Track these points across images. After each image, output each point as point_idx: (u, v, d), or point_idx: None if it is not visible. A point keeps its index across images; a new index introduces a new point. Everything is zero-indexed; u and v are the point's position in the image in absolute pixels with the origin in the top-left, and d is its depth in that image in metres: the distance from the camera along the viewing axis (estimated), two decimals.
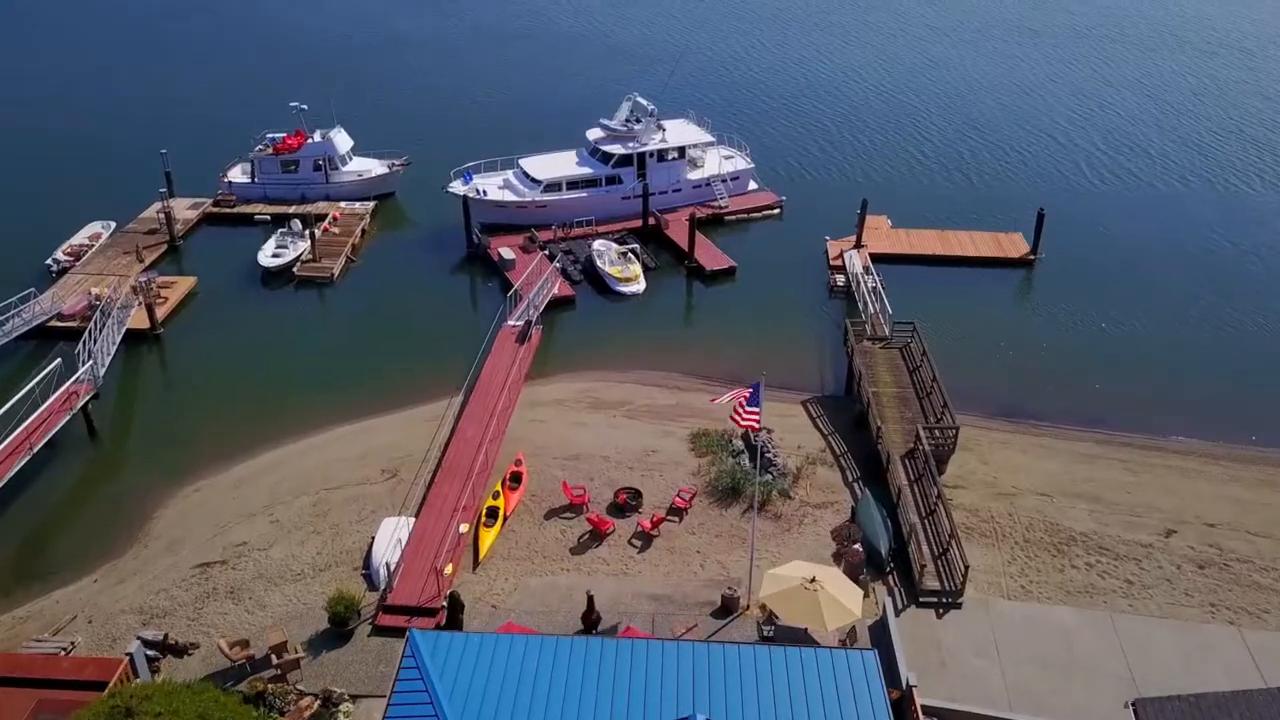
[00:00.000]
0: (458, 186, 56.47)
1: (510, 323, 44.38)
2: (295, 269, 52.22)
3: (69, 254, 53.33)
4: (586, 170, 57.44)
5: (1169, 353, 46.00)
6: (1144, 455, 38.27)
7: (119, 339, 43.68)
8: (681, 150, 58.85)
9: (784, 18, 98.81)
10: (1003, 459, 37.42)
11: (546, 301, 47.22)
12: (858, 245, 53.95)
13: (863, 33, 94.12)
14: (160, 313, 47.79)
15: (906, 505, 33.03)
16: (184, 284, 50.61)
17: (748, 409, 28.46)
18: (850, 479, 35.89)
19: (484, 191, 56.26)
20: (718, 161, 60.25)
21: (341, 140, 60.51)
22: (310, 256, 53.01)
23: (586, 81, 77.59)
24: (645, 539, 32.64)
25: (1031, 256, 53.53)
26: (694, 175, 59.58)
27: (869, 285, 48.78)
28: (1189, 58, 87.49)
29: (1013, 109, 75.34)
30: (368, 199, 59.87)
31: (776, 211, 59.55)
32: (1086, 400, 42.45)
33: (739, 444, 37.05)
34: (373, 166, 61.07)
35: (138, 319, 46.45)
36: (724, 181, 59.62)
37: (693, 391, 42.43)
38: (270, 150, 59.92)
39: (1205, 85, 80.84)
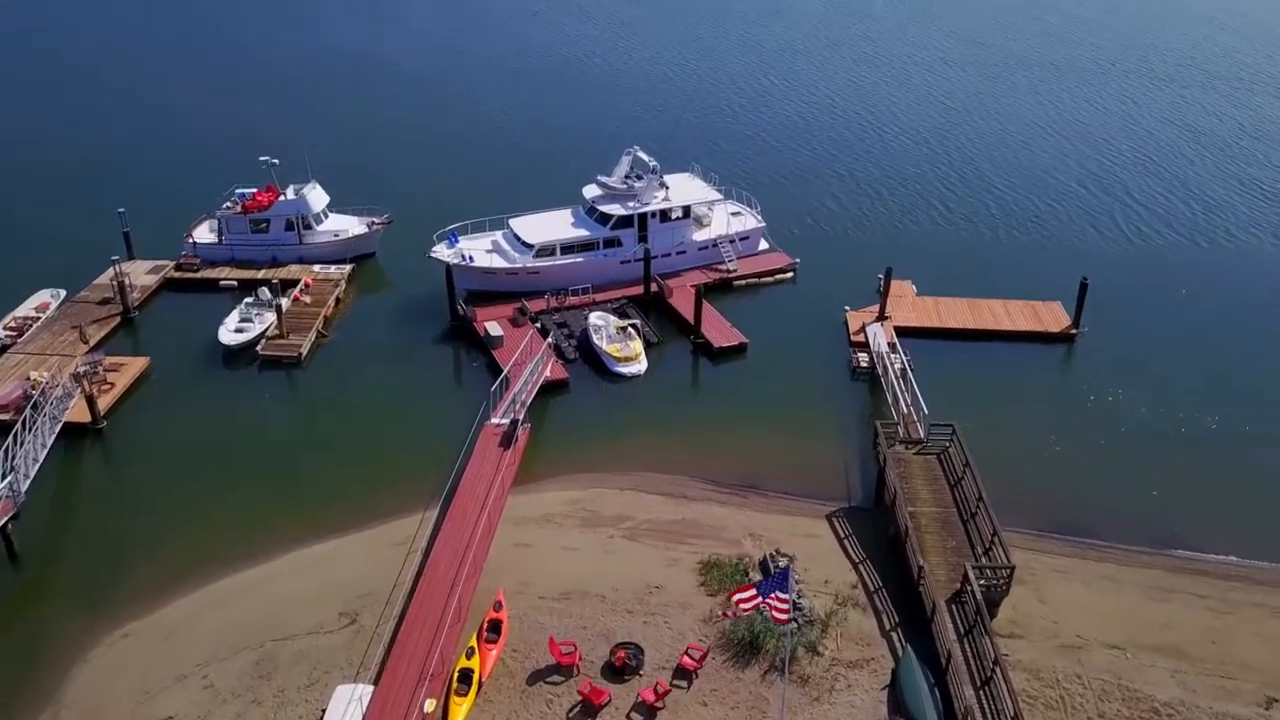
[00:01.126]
0: (441, 251, 51.52)
1: (494, 421, 39.29)
2: (259, 347, 47.18)
3: (11, 329, 48.32)
4: (583, 232, 52.47)
5: (1241, 450, 40.65)
6: (1226, 588, 33.04)
7: (52, 440, 38.57)
8: (686, 209, 53.89)
9: (791, 55, 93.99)
10: (1063, 595, 32.22)
11: (537, 389, 42.19)
12: (881, 317, 48.90)
13: (876, 68, 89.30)
14: (105, 401, 42.79)
15: (958, 671, 27.83)
16: (134, 366, 45.54)
17: (779, 597, 23.34)
18: (888, 626, 30.72)
19: (470, 257, 51.29)
20: (725, 220, 55.27)
21: (316, 197, 55.59)
22: (276, 332, 48.01)
23: (583, 133, 71.87)
24: (647, 713, 27.46)
25: (1073, 331, 48.43)
26: (700, 236, 54.59)
27: (896, 367, 43.73)
28: (1221, 94, 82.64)
29: (1040, 154, 70.40)
30: (344, 261, 54.94)
31: (790, 275, 54.50)
32: (1150, 510, 37.24)
33: (756, 579, 31.91)
34: (350, 225, 56.14)
35: (78, 410, 41.43)
36: (732, 242, 54.62)
37: (700, 502, 37.29)
38: (239, 208, 55.04)
39: (1245, 123, 75.98)
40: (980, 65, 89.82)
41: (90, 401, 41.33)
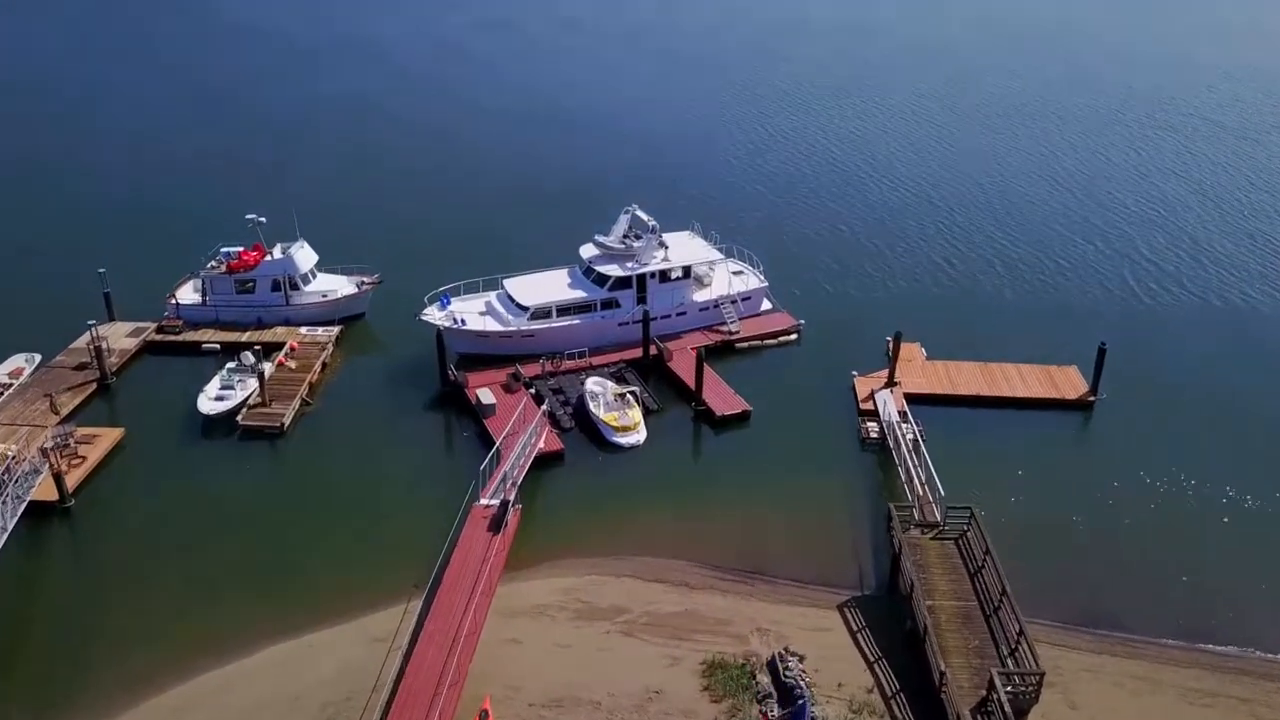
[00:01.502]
0: (432, 314, 49.64)
1: (483, 502, 37.09)
2: (240, 416, 45.07)
3: None
4: (579, 293, 50.61)
5: (1275, 531, 38.60)
6: (1270, 690, 30.68)
7: (14, 522, 36.27)
8: (686, 269, 52.08)
9: (791, 106, 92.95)
10: (1096, 699, 29.87)
11: (530, 463, 40.04)
12: (890, 383, 46.91)
13: (877, 119, 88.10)
14: (75, 477, 40.60)
15: None
16: (109, 437, 43.38)
17: None
18: None
19: (462, 320, 49.39)
20: (727, 280, 53.44)
21: (304, 257, 53.79)
22: (259, 400, 45.94)
23: (580, 191, 69.38)
24: None
25: (1091, 398, 46.39)
26: (700, 296, 52.73)
27: (908, 438, 41.63)
28: (1228, 145, 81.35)
29: (1046, 209, 68.82)
30: (333, 323, 53.02)
31: (794, 337, 52.53)
32: (1182, 598, 34.93)
33: (765, 681, 29.61)
34: (339, 285, 54.27)
35: (44, 488, 39.24)
36: (734, 303, 52.75)
37: (703, 590, 34.98)
38: (223, 267, 53.24)
39: (1253, 176, 74.48)
40: (983, 115, 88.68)
41: (58, 479, 39.13)
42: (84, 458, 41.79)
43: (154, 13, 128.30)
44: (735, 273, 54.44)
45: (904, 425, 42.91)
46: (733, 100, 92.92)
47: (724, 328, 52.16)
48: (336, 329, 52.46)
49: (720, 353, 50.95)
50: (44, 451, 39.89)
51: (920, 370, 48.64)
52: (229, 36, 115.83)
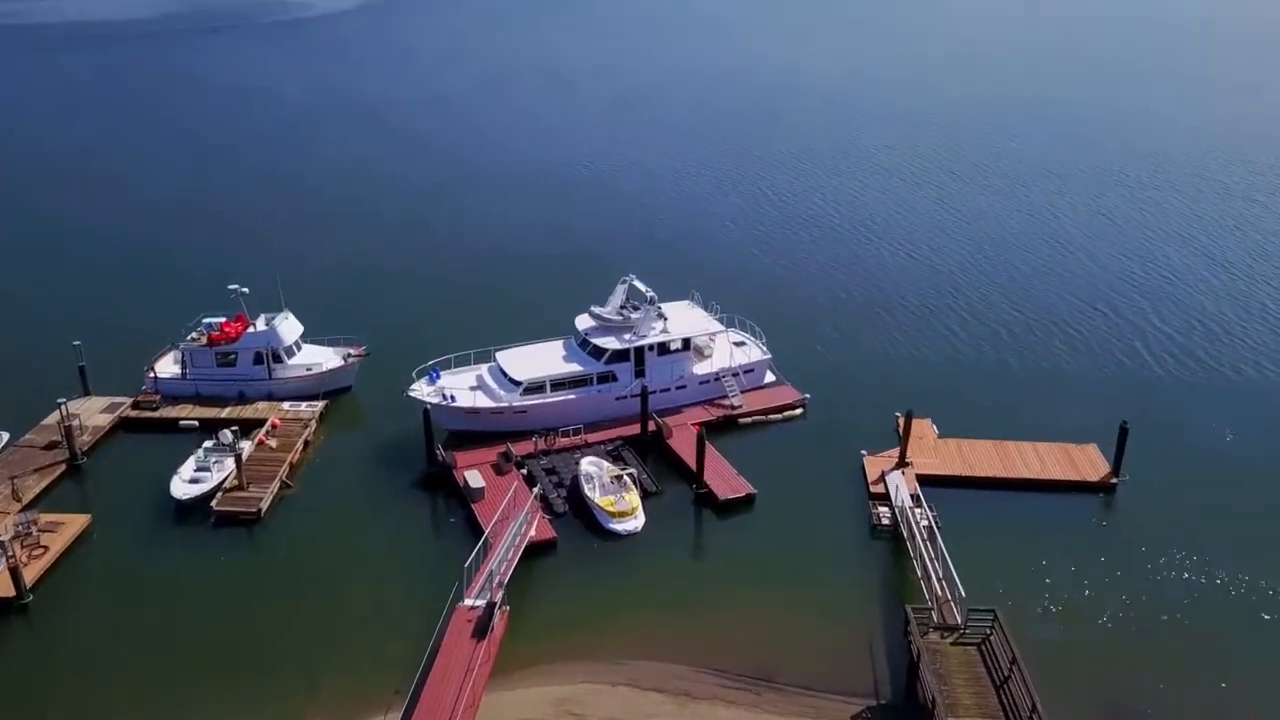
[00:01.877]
0: (421, 388, 47.47)
1: (468, 602, 34.52)
2: (215, 501, 42.63)
3: None
4: (575, 367, 48.49)
5: None
6: None
7: None
8: (686, 341, 50.07)
9: (792, 168, 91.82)
10: None
11: (519, 555, 37.54)
12: (901, 463, 44.59)
13: (880, 182, 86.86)
14: (36, 569, 38.08)
15: None
16: (73, 525, 40.87)
17: None
18: None
19: (451, 396, 47.18)
20: (728, 352, 51.37)
21: (288, 328, 51.74)
22: (235, 483, 43.52)
23: (575, 259, 67.57)
24: None
25: (1114, 480, 44.01)
26: (701, 369, 50.62)
27: (922, 525, 39.24)
28: (1238, 207, 79.89)
29: (1053, 276, 66.96)
30: (317, 397, 50.81)
31: (799, 412, 50.32)
32: (1222, 705, 32.30)
33: None
34: (325, 358, 52.14)
35: (1, 582, 36.72)
36: (736, 376, 50.65)
37: (706, 700, 32.28)
38: (204, 339, 51.21)
39: (1267, 244, 72.76)
40: (983, 177, 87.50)
41: (14, 573, 36.62)
42: (46, 548, 39.27)
43: (136, 75, 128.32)
44: (737, 344, 52.40)
45: (918, 511, 40.53)
46: (731, 163, 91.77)
47: (726, 402, 49.94)
48: (321, 404, 50.22)
49: (722, 428, 48.70)
50: (1, 544, 37.45)
51: (932, 449, 46.31)
52: (215, 99, 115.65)
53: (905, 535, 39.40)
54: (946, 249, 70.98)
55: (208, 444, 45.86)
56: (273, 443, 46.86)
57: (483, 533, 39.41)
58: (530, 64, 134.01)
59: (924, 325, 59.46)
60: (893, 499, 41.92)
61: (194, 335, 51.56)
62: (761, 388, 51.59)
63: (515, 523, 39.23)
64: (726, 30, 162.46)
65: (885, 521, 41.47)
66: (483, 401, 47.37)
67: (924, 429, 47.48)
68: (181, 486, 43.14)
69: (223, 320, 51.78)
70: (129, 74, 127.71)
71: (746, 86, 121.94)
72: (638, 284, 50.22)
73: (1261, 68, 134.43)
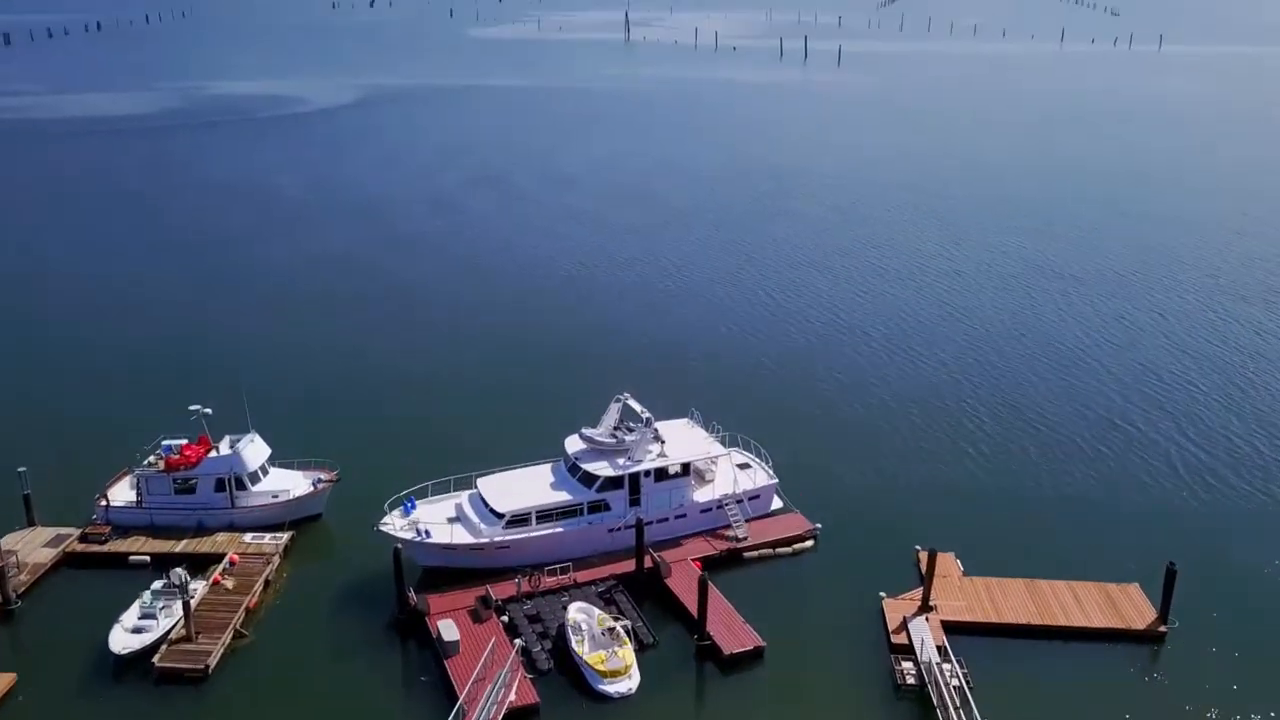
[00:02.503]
0: (393, 522, 43.30)
1: None
2: (157, 656, 38.01)
3: None
4: (563, 496, 44.38)
5: None
6: None
7: None
8: (686, 466, 46.11)
9: (794, 269, 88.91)
10: None
11: None
12: (925, 608, 40.19)
13: (886, 282, 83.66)
14: None
15: None
16: None
17: None
18: None
19: (427, 531, 42.94)
20: (732, 476, 47.34)
21: (253, 453, 47.74)
22: (183, 633, 38.99)
23: (564, 375, 62.92)
24: None
25: (1162, 628, 39.54)
26: (702, 495, 46.52)
27: (952, 685, 34.80)
28: (1256, 310, 76.76)
29: (1076, 382, 63.25)
30: (283, 528, 46.56)
31: (810, 544, 46.03)
32: None
33: None
34: (293, 484, 48.01)
35: None
36: (740, 502, 46.55)
37: None
38: (162, 465, 47.20)
39: None
40: (994, 280, 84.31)
41: None
42: None
43: (120, 170, 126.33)
44: (741, 466, 48.42)
45: (946, 668, 36.08)
46: (730, 266, 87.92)
47: (730, 533, 45.69)
48: (286, 536, 45.91)
49: (726, 563, 44.39)
50: None
51: (958, 589, 41.91)
52: (196, 195, 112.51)
53: (934, 700, 34.85)
54: (959, 360, 67.03)
55: (156, 585, 41.48)
56: (229, 583, 42.41)
57: (457, 695, 34.90)
58: (526, 160, 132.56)
59: (941, 445, 55.21)
60: (918, 653, 37.43)
61: (151, 459, 47.58)
62: (768, 515, 47.43)
63: (493, 684, 34.78)
64: (726, 125, 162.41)
65: (910, 680, 36.81)
66: (461, 536, 43.10)
67: (948, 565, 43.19)
68: (122, 638, 38.59)
69: (183, 443, 47.95)
70: (112, 169, 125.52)
71: (746, 183, 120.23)
72: (632, 403, 46.48)
73: (1270, 156, 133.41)
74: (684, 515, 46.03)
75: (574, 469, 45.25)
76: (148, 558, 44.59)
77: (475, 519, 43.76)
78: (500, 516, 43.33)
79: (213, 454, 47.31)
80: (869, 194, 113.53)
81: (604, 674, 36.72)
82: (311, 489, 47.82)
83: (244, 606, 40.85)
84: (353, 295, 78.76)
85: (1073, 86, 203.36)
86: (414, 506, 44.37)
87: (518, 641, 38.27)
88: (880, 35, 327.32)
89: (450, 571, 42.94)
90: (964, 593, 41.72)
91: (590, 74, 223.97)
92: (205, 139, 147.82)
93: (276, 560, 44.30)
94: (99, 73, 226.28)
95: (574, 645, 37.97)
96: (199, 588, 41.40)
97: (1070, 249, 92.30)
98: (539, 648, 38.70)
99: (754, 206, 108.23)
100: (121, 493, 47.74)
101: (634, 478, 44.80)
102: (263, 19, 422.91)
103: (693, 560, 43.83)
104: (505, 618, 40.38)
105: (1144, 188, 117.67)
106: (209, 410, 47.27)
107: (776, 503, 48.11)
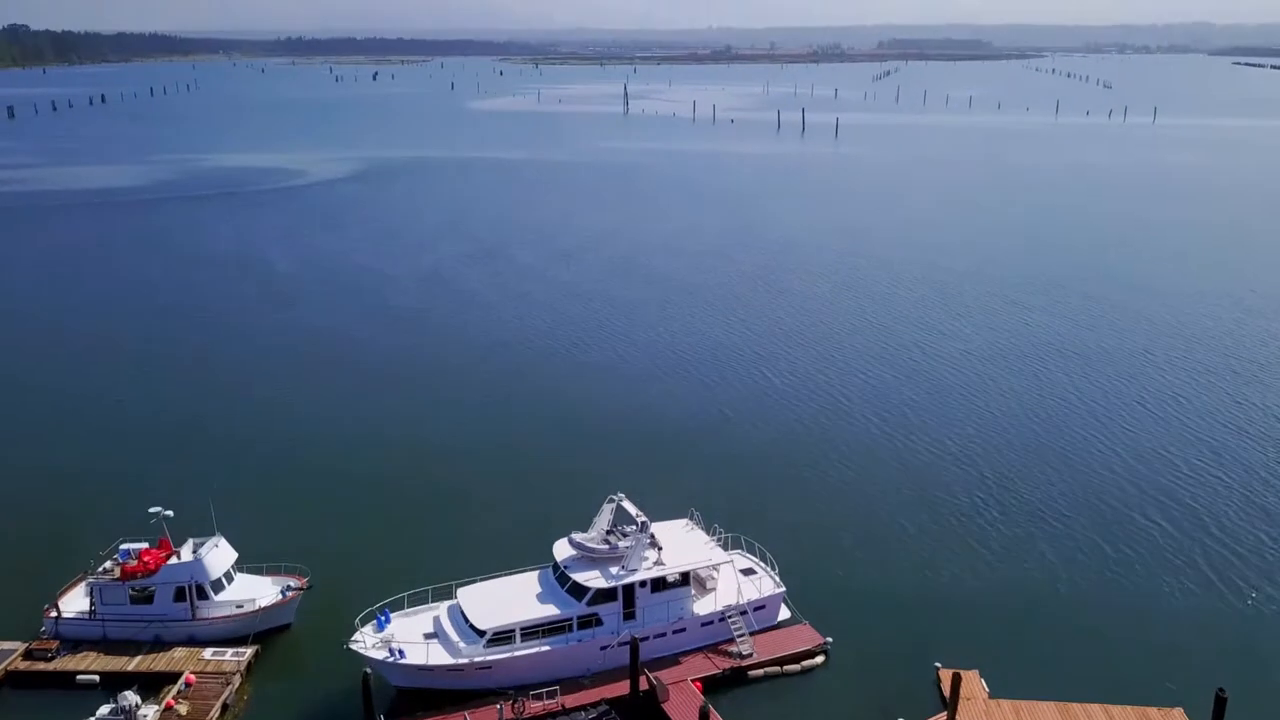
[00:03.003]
0: (365, 638, 39.57)
1: None
2: None
3: None
4: (550, 609, 40.66)
5: None
6: None
7: None
8: (686, 575, 42.54)
9: (795, 348, 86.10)
10: None
11: None
12: None
13: (892, 367, 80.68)
14: None
15: None
16: None
17: None
18: None
19: (400, 651, 39.15)
20: (735, 584, 43.70)
21: (217, 559, 44.13)
22: None
23: (553, 474, 58.35)
24: None
25: None
26: (703, 607, 42.79)
27: None
28: (1273, 390, 73.80)
29: (1096, 476, 59.38)
30: (247, 641, 42.77)
31: (820, 660, 42.16)
32: None
33: None
34: (260, 592, 44.26)
35: None
36: (744, 614, 42.85)
37: None
38: (118, 572, 43.62)
39: None
40: (1005, 356, 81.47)
41: None
42: None
43: (102, 246, 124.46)
44: (744, 571, 44.83)
45: None
46: (729, 352, 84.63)
47: (733, 648, 41.87)
48: (250, 650, 42.06)
49: (729, 683, 40.56)
50: None
51: (983, 713, 38.05)
52: (163, 270, 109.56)
53: None
54: (971, 451, 62.99)
55: (104, 710, 37.75)
56: (182, 708, 38.51)
57: None
58: (520, 234, 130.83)
59: (957, 546, 51.18)
60: None
61: (107, 566, 44.02)
62: (774, 627, 43.65)
63: None
64: (723, 197, 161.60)
65: None
66: (438, 656, 39.30)
67: (973, 686, 39.37)
68: None
69: (143, 547, 44.45)
70: (88, 245, 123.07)
71: (745, 259, 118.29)
72: (627, 505, 43.13)
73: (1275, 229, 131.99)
74: (683, 630, 42.28)
75: (563, 578, 41.61)
76: (97, 677, 40.68)
77: (454, 636, 40.02)
78: (481, 634, 39.57)
79: (173, 560, 43.71)
80: (871, 271, 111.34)
81: None
82: (280, 597, 44.10)
83: None
84: (328, 385, 74.06)
85: (1074, 159, 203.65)
86: (388, 620, 40.65)
87: None
88: (877, 107, 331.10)
89: (427, 694, 39.17)
90: (990, 717, 37.88)
91: (588, 147, 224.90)
92: (194, 213, 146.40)
93: (237, 680, 40.41)
94: (95, 145, 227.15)
95: None
96: (150, 713, 37.63)
97: (1079, 327, 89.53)
98: None
99: (753, 284, 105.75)
100: (74, 602, 44.04)
101: (628, 589, 41.15)
102: (267, 93, 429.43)
103: (693, 681, 39.99)
104: None
105: (1156, 263, 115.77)
106: (170, 513, 43.68)
107: (783, 612, 44.34)
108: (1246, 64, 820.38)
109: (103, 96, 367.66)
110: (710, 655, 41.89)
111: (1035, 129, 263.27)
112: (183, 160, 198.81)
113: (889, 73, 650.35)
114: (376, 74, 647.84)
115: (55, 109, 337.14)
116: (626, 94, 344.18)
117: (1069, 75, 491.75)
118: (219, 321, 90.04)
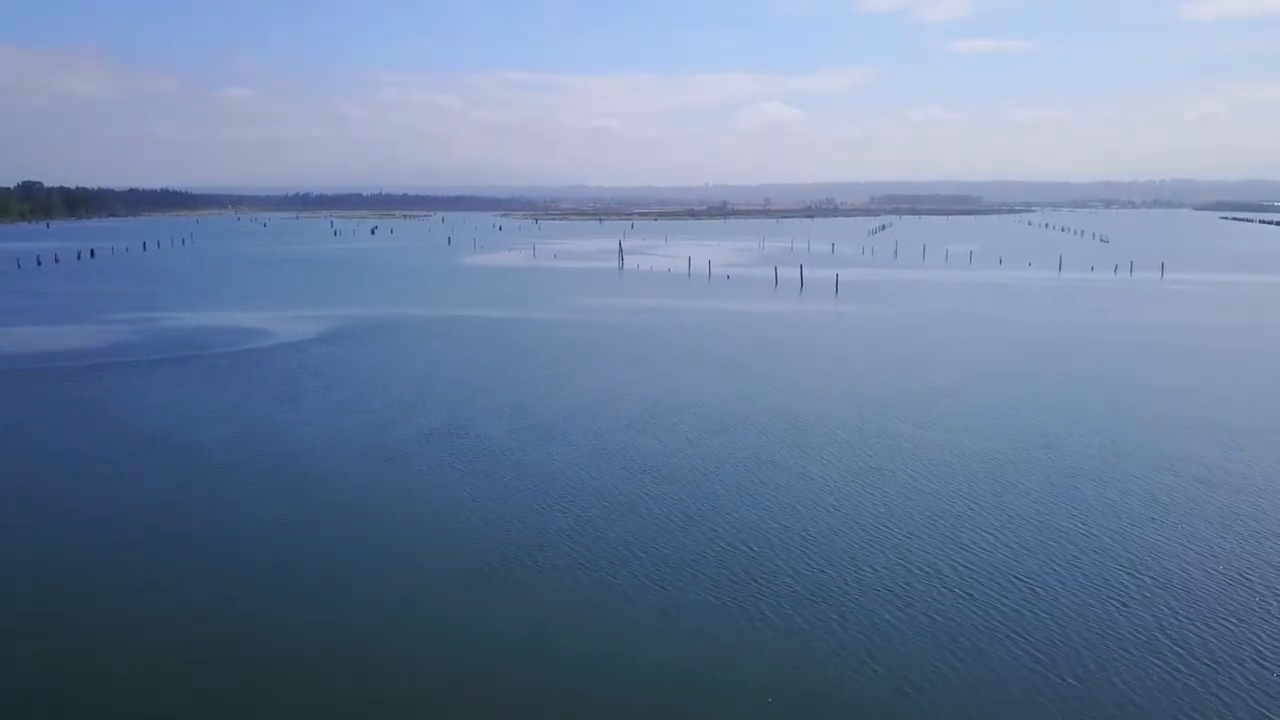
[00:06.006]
0: None
1: None
2: None
3: None
4: None
5: None
6: None
7: None
8: None
9: (796, 536, 71.31)
10: None
11: None
12: None
13: (910, 557, 65.47)
14: None
15: None
16: None
17: None
18: None
19: None
20: None
21: None
22: None
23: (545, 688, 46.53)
24: None
25: None
26: None
27: None
28: None
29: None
30: None
31: None
32: None
33: None
34: None
35: None
36: None
37: None
38: None
39: None
40: (1008, 572, 66.28)
41: None
42: None
43: (35, 423, 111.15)
44: None
45: None
46: (728, 542, 70.85)
47: None
48: None
49: None
50: None
51: None
52: (90, 453, 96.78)
53: None
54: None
55: None
56: None
57: None
58: (497, 401, 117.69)
59: None
60: None
61: None
62: None
63: None
64: (720, 359, 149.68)
65: None
66: None
67: None
68: None
69: None
70: (9, 417, 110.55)
71: (743, 431, 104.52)
72: None
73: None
74: None
75: None
76: None
77: None
78: None
79: None
80: (896, 458, 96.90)
81: None
82: None
83: None
84: (275, 599, 57.95)
85: (1093, 319, 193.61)
86: None
87: None
88: (876, 262, 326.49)
89: None
90: None
91: (579, 304, 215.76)
92: (140, 381, 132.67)
93: None
94: (59, 303, 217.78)
95: None
96: None
97: (1073, 552, 74.54)
98: None
99: (753, 461, 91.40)
100: None
101: None
102: (262, 247, 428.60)
103: None
104: None
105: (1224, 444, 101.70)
106: None
107: None
108: (1234, 218, 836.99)
109: (92, 251, 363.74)
110: None
111: (1043, 285, 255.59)
112: (146, 320, 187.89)
113: (884, 226, 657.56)
114: (375, 228, 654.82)
115: (40, 264, 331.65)
116: (621, 250, 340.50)
117: (1062, 229, 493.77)
118: (141, 523, 74.98)
